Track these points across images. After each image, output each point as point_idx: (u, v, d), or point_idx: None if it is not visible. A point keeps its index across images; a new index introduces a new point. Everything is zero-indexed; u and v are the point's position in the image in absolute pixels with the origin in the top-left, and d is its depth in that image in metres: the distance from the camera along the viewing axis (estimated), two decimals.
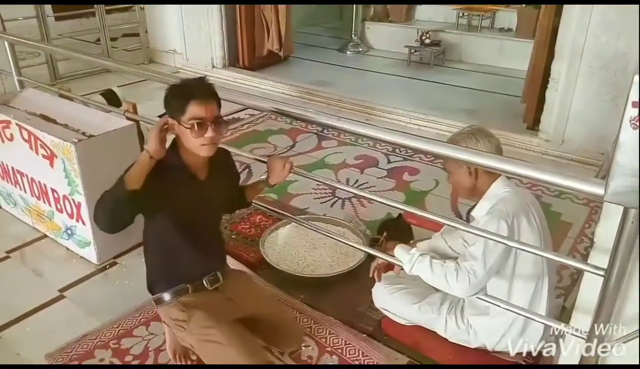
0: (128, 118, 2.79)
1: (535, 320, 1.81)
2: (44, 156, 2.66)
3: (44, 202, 2.84)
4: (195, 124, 1.69)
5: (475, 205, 1.97)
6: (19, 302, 2.43)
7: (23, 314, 2.36)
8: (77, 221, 2.67)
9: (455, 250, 2.11)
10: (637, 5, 3.34)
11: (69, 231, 2.77)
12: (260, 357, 1.84)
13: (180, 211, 1.81)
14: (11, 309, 2.38)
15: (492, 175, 1.89)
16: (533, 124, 4.31)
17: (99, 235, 2.62)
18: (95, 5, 6.15)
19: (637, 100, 1.18)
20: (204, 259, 1.93)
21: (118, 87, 3.92)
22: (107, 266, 2.70)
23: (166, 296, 1.90)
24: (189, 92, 1.72)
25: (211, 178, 1.88)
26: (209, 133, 1.71)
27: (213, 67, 6.14)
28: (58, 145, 2.54)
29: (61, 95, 3.30)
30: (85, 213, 2.59)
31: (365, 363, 2.05)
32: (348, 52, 7.26)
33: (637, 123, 1.20)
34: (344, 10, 8.51)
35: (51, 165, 2.64)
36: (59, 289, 2.53)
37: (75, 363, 2.07)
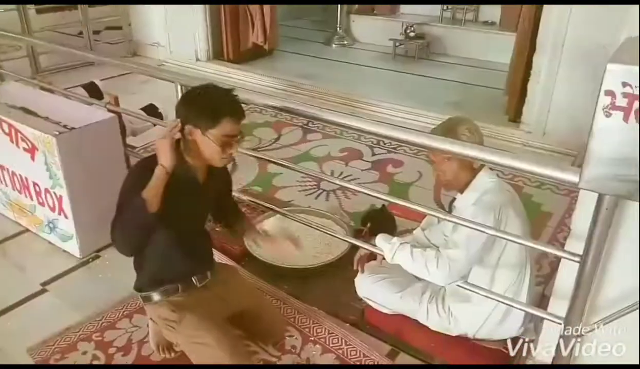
0: (110, 111, 2.77)
1: (515, 307, 1.84)
2: (24, 149, 2.63)
3: (26, 196, 2.81)
4: (223, 141, 1.69)
5: (457, 196, 1.99)
6: (1, 296, 2.40)
7: (5, 309, 2.34)
8: (59, 214, 2.65)
9: (436, 244, 2.12)
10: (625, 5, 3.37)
11: (50, 225, 2.74)
12: (249, 361, 1.87)
13: (179, 214, 1.78)
14: None
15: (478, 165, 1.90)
16: (515, 116, 4.35)
17: (81, 228, 2.62)
18: None
19: (610, 88, 1.21)
20: (195, 259, 1.94)
21: (101, 80, 3.88)
22: (90, 260, 2.68)
23: (155, 295, 1.89)
24: (224, 106, 1.68)
25: (209, 182, 1.87)
26: (233, 150, 1.73)
27: (197, 60, 6.11)
28: (39, 138, 2.52)
29: (42, 88, 3.26)
30: (67, 206, 2.57)
31: (348, 352, 2.07)
32: (333, 45, 7.26)
33: (611, 112, 1.22)
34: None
35: (32, 158, 2.61)
36: (41, 283, 2.51)
37: (58, 356, 2.06)
